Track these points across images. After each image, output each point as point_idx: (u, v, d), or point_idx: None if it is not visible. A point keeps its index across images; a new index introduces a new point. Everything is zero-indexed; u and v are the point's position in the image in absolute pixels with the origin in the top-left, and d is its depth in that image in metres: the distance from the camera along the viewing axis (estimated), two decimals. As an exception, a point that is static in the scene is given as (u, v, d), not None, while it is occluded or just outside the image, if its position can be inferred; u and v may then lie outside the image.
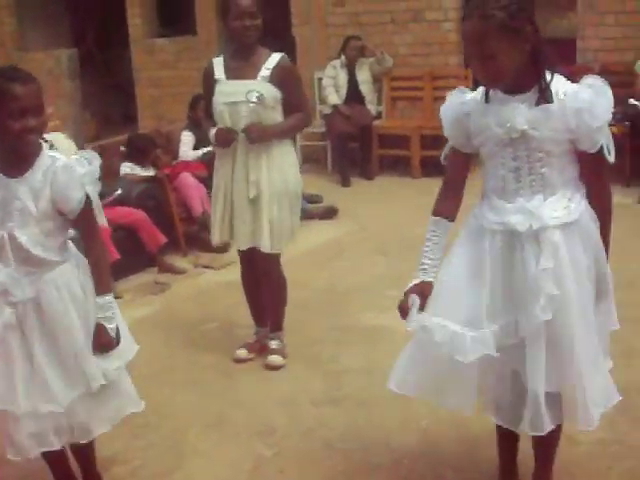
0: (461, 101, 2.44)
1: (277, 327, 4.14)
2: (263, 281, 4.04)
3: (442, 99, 2.54)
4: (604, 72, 7.77)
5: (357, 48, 8.39)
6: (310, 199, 6.76)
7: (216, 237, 4.00)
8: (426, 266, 2.50)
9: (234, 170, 3.82)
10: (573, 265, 2.34)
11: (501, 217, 2.38)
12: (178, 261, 5.86)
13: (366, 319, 4.50)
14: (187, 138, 6.81)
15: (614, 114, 2.31)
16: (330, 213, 6.81)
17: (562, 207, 2.35)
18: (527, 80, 2.29)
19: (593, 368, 2.38)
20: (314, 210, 6.70)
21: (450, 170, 2.55)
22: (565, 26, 9.48)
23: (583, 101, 2.26)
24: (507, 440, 2.69)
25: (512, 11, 2.18)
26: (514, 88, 2.30)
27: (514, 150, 2.34)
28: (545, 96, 2.27)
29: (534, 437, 2.53)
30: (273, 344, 4.07)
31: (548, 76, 2.29)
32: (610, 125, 2.31)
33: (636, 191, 6.92)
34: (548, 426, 2.39)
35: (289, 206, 3.86)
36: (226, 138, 3.78)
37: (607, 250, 2.45)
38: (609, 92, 2.28)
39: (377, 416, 3.42)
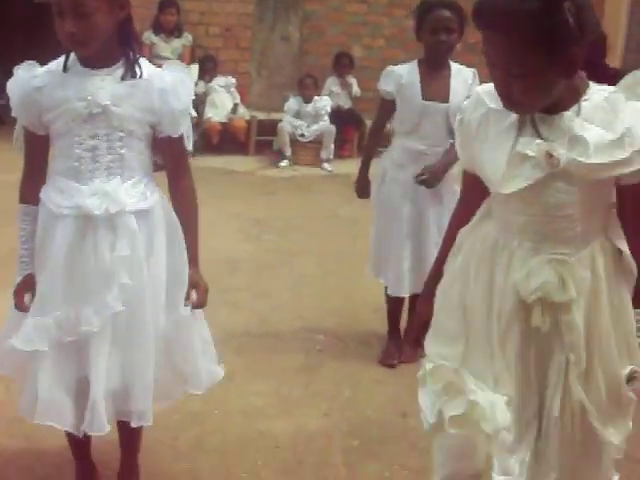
0: (32, 75, 2.20)
1: None
2: None
3: None
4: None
5: None
6: None
7: None
8: (25, 259, 2.30)
9: None
10: (149, 255, 2.25)
11: (74, 200, 2.19)
12: None
13: None
14: None
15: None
16: None
17: (139, 193, 2.24)
18: (114, 53, 2.19)
19: (161, 361, 2.30)
20: None
21: (31, 154, 2.31)
22: None
23: (167, 82, 2.22)
24: (79, 447, 2.54)
25: None
26: (98, 61, 2.18)
27: (93, 127, 2.18)
28: (133, 70, 2.18)
29: (119, 428, 2.45)
30: None
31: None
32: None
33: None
34: (106, 427, 2.23)
35: None
36: None
37: (195, 246, 2.38)
38: (190, 79, 2.32)
39: None
